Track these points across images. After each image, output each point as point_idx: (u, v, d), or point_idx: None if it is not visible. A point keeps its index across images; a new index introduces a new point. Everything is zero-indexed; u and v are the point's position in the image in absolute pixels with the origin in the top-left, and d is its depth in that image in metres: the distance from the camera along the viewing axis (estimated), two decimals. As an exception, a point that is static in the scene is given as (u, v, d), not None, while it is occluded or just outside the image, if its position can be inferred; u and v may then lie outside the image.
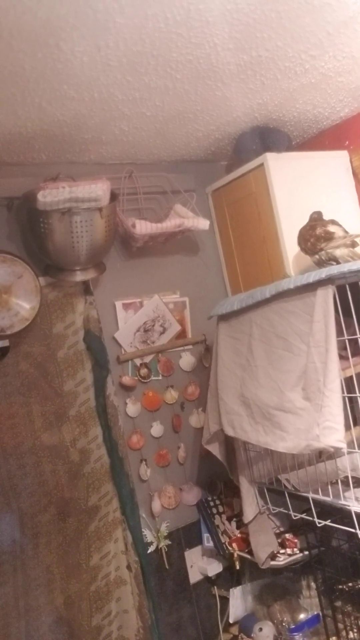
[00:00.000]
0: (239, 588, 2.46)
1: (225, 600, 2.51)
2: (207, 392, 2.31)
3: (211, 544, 2.45)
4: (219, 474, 2.54)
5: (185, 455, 2.53)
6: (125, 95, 1.82)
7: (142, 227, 2.27)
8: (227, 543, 2.38)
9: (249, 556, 2.24)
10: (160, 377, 2.51)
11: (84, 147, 2.19)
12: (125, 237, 2.40)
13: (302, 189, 2.31)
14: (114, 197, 2.16)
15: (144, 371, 2.45)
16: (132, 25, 1.45)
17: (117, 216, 2.26)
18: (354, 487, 1.83)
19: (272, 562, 2.14)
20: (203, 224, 2.41)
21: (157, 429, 2.47)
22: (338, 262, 1.94)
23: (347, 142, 2.46)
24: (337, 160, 2.45)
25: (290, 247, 2.24)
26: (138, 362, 2.46)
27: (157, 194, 2.53)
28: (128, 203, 2.43)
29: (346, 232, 2.02)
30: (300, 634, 2.16)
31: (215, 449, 2.27)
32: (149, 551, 2.38)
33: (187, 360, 2.57)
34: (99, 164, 2.41)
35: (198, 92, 1.92)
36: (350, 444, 1.77)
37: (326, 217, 2.08)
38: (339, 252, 1.94)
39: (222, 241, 2.67)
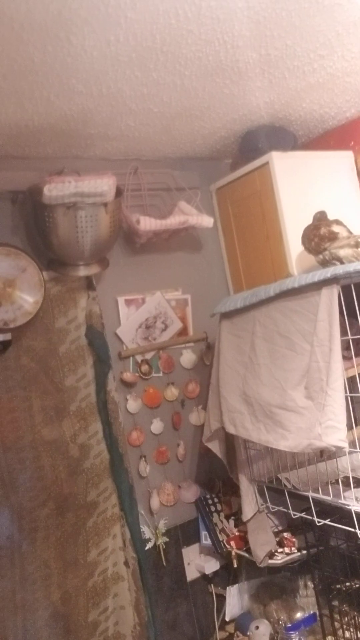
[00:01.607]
0: (235, 586, 2.47)
1: (221, 598, 2.51)
2: (207, 390, 2.32)
3: (209, 541, 2.46)
4: (217, 472, 2.55)
5: (184, 452, 2.53)
6: (133, 91, 1.82)
7: (147, 224, 2.27)
8: (224, 541, 2.38)
9: (246, 554, 2.25)
10: (161, 374, 2.51)
11: (89, 142, 2.19)
12: (129, 233, 2.40)
13: (307, 188, 2.31)
14: (119, 192, 2.15)
15: (145, 368, 2.45)
16: (143, 21, 1.44)
17: (121, 212, 2.26)
18: (354, 487, 1.83)
19: (270, 561, 2.15)
20: (207, 221, 2.41)
21: (157, 426, 2.47)
22: (342, 262, 1.94)
23: (352, 143, 2.47)
24: (342, 161, 2.45)
25: (294, 246, 2.24)
26: (139, 358, 2.46)
27: (161, 191, 2.53)
28: (132, 199, 2.42)
29: (350, 232, 2.02)
30: (297, 633, 2.16)
31: (215, 447, 2.27)
32: (146, 548, 2.38)
33: (188, 357, 2.57)
34: (104, 160, 2.41)
35: (206, 89, 1.92)
36: (351, 444, 1.77)
37: (330, 217, 2.08)
38: (343, 252, 1.94)
39: (226, 239, 2.67)
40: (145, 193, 2.49)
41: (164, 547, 2.43)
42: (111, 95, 1.82)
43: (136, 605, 2.30)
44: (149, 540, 2.41)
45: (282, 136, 2.36)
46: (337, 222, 2.02)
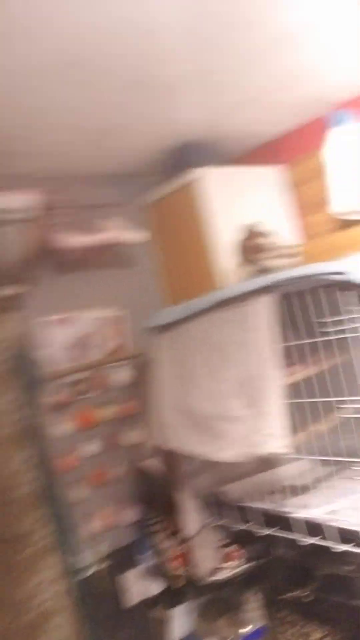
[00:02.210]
0: (180, 607, 2.40)
1: (167, 621, 2.44)
2: (145, 407, 2.27)
3: (151, 563, 2.39)
4: (158, 491, 2.49)
5: (122, 473, 2.46)
6: (52, 106, 1.77)
7: (75, 240, 2.22)
8: (167, 561, 2.32)
9: (189, 573, 2.20)
10: (95, 394, 2.43)
11: (12, 158, 2.12)
12: (58, 250, 2.33)
13: (239, 202, 2.35)
14: (45, 209, 2.09)
15: (78, 388, 2.37)
16: (62, 34, 1.41)
17: (48, 229, 2.19)
18: (297, 494, 1.84)
19: (215, 577, 2.11)
20: (139, 237, 2.39)
21: (92, 448, 2.40)
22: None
23: (283, 157, 2.52)
24: (273, 175, 2.51)
25: (226, 259, 2.26)
26: (72, 379, 2.37)
27: (91, 207, 2.48)
28: (61, 216, 2.36)
29: (281, 243, 2.06)
30: (247, 648, 2.13)
31: (155, 464, 2.22)
32: (86, 575, 2.28)
33: (123, 375, 2.52)
34: (30, 176, 2.33)
35: (134, 104, 1.91)
36: (293, 451, 1.78)
37: (262, 229, 2.12)
38: (274, 263, 1.97)
39: (158, 254, 2.66)
40: (74, 210, 2.43)
41: (104, 572, 2.34)
42: (30, 110, 1.76)
43: (77, 637, 2.19)
44: (88, 566, 2.31)
45: (213, 151, 2.39)
46: (269, 233, 2.06)
